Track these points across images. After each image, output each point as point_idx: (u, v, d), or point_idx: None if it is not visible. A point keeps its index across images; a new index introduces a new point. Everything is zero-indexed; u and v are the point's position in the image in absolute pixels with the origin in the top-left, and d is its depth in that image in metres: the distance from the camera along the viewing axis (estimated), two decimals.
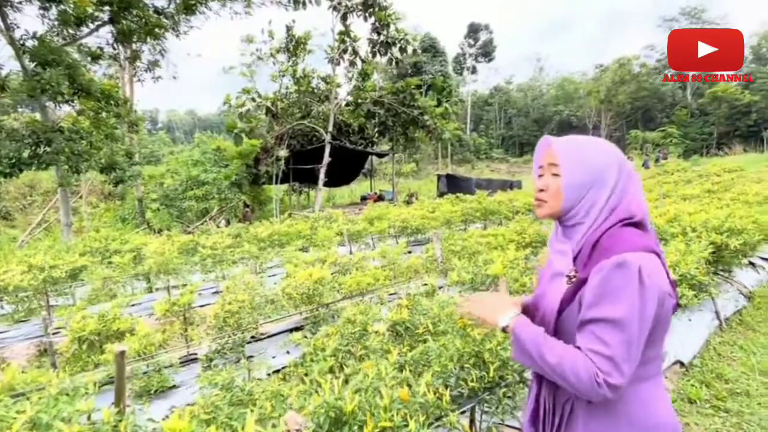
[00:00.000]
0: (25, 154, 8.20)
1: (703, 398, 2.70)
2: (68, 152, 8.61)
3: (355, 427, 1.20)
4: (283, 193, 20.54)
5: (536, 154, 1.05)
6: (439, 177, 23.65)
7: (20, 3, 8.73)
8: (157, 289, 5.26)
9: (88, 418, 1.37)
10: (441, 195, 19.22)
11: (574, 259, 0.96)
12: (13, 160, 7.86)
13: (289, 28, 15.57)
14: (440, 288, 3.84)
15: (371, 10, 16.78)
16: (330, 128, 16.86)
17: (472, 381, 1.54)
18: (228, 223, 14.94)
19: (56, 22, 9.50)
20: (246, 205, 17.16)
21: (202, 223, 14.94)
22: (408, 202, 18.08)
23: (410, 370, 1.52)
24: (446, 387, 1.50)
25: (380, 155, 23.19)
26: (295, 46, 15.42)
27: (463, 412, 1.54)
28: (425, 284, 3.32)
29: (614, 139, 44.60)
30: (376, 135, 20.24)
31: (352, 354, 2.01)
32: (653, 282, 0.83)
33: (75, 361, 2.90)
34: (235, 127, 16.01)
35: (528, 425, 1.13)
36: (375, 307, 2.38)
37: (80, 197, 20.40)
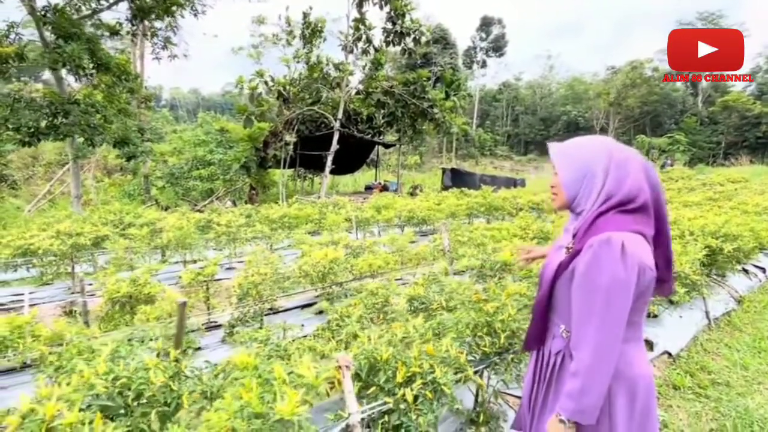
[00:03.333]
0: (43, 124, 8.35)
1: (686, 386, 2.94)
2: (84, 124, 8.77)
3: (390, 373, 1.42)
4: (288, 178, 20.69)
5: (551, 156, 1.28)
6: (443, 170, 23.76)
7: None
8: (175, 262, 5.49)
9: (157, 355, 1.59)
10: (445, 188, 19.38)
11: (573, 235, 1.17)
12: (32, 130, 8.03)
13: (305, 15, 15.53)
14: (449, 275, 4.07)
15: None
16: (339, 115, 16.93)
17: (484, 347, 1.76)
18: (234, 204, 15.15)
19: None
20: (252, 188, 17.34)
21: (209, 203, 15.14)
22: (412, 194, 18.25)
23: (432, 334, 1.74)
24: (462, 350, 1.72)
25: (387, 146, 23.25)
26: (311, 33, 15.39)
27: (476, 373, 1.77)
28: (434, 268, 3.54)
29: (621, 143, 44.46)
30: (384, 125, 20.29)
31: (374, 322, 2.24)
32: (634, 254, 1.02)
33: (108, 321, 3.13)
34: (245, 110, 16.08)
35: (528, 380, 1.35)
36: (393, 284, 2.59)
37: (87, 171, 20.58)
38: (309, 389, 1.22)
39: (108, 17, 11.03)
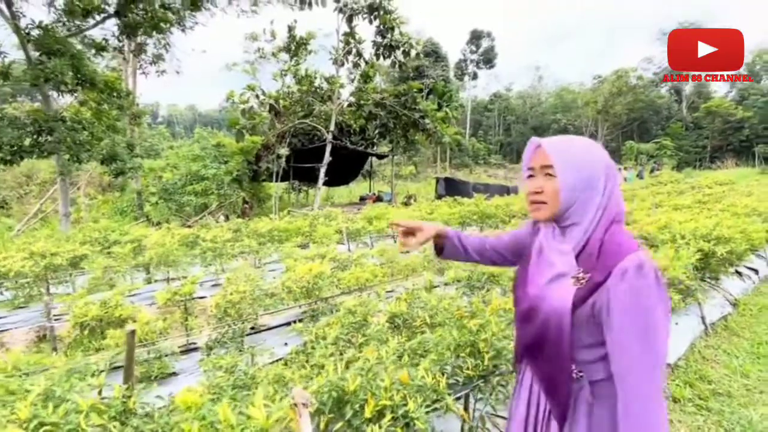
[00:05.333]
0: (27, 142, 8.21)
1: (686, 397, 2.81)
2: (70, 142, 8.63)
3: (357, 406, 1.29)
4: (282, 191, 20.59)
5: (525, 156, 1.06)
6: (437, 180, 23.80)
7: None
8: (156, 281, 5.30)
9: (99, 393, 1.44)
10: (439, 197, 19.35)
11: (577, 258, 0.96)
12: (15, 148, 7.87)
13: (290, 29, 15.66)
14: (436, 286, 3.94)
15: (376, 13, 16.92)
16: (332, 128, 16.95)
17: (467, 369, 1.63)
18: (227, 218, 14.97)
19: (62, 13, 9.52)
20: (245, 202, 17.20)
21: (200, 218, 14.96)
22: (406, 204, 18.21)
23: (409, 357, 1.60)
24: (443, 374, 1.59)
25: (380, 157, 23.30)
26: (296, 46, 15.50)
27: (458, 398, 1.63)
28: (423, 280, 3.42)
29: (610, 149, 44.97)
30: (377, 136, 20.35)
31: (352, 343, 2.10)
32: (659, 275, 0.90)
33: (76, 346, 2.95)
34: (237, 124, 16.06)
35: (518, 412, 1.17)
36: (374, 301, 2.46)
37: (78, 188, 20.35)
38: None
39: (99, 34, 11.02)
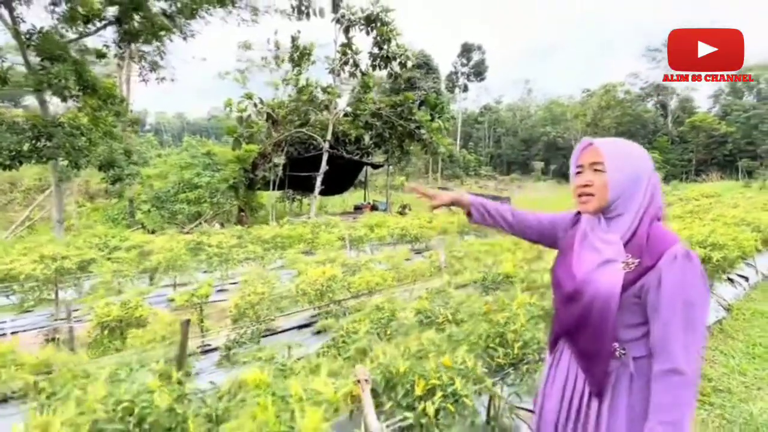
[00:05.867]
0: (25, 147, 8.16)
1: None
2: (69, 147, 8.60)
3: (407, 386, 1.38)
4: (276, 199, 20.59)
5: (575, 154, 1.19)
6: None
7: None
8: (163, 286, 5.30)
9: (160, 377, 1.51)
10: (434, 207, 19.52)
11: (625, 246, 1.08)
12: (13, 153, 7.82)
13: (294, 39, 15.94)
14: (441, 291, 4.05)
15: (374, 24, 17.32)
16: (328, 137, 17.12)
17: (498, 358, 1.73)
18: (222, 226, 14.89)
19: (63, 19, 9.57)
20: (240, 210, 17.16)
21: (196, 225, 14.85)
22: (401, 213, 18.36)
23: (447, 345, 1.71)
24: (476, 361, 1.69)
25: (375, 166, 23.51)
26: (299, 56, 15.76)
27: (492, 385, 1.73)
28: (431, 284, 3.52)
29: None
30: (372, 146, 20.59)
31: (380, 338, 2.19)
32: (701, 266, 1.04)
33: (96, 347, 2.97)
34: (235, 132, 16.12)
35: (553, 392, 1.27)
36: (399, 300, 2.56)
37: (68, 196, 20.06)
38: (328, 406, 1.17)
39: (93, 41, 11.06)
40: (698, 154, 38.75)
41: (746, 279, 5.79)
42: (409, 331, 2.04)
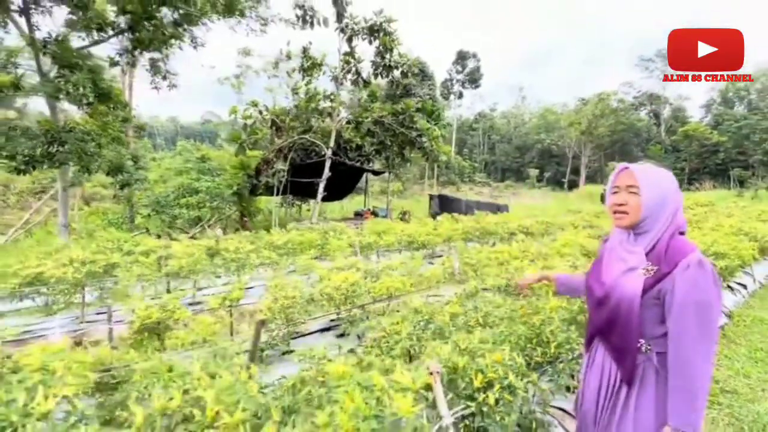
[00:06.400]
0: (38, 152, 8.27)
1: None
2: (80, 152, 8.72)
3: (467, 379, 1.56)
4: (275, 205, 20.71)
5: (612, 176, 1.42)
6: (431, 197, 24.29)
7: (51, 6, 8.98)
8: (181, 290, 5.42)
9: (242, 369, 1.67)
10: (434, 216, 19.75)
11: (647, 256, 1.30)
12: (27, 158, 7.92)
13: (305, 50, 16.25)
14: (471, 295, 4.22)
15: (376, 34, 17.67)
16: (332, 144, 17.35)
17: (537, 356, 1.91)
18: (224, 231, 14.96)
19: (77, 26, 9.72)
20: (242, 215, 17.25)
21: (199, 231, 14.92)
22: (402, 219, 18.55)
23: (492, 344, 1.88)
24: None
25: (377, 173, 23.72)
26: (310, 66, 16.04)
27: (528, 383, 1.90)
28: (445, 291, 3.70)
29: (593, 170, 46.73)
30: (373, 153, 20.82)
31: (419, 339, 2.36)
32: (716, 274, 1.24)
33: (137, 347, 3.09)
34: (239, 138, 16.29)
35: (591, 385, 1.46)
36: (437, 303, 2.73)
37: (71, 200, 20.01)
38: (408, 394, 1.34)
39: (98, 49, 11.21)
40: (691, 162, 39.47)
41: (744, 287, 6.04)
42: (457, 332, 2.22)
